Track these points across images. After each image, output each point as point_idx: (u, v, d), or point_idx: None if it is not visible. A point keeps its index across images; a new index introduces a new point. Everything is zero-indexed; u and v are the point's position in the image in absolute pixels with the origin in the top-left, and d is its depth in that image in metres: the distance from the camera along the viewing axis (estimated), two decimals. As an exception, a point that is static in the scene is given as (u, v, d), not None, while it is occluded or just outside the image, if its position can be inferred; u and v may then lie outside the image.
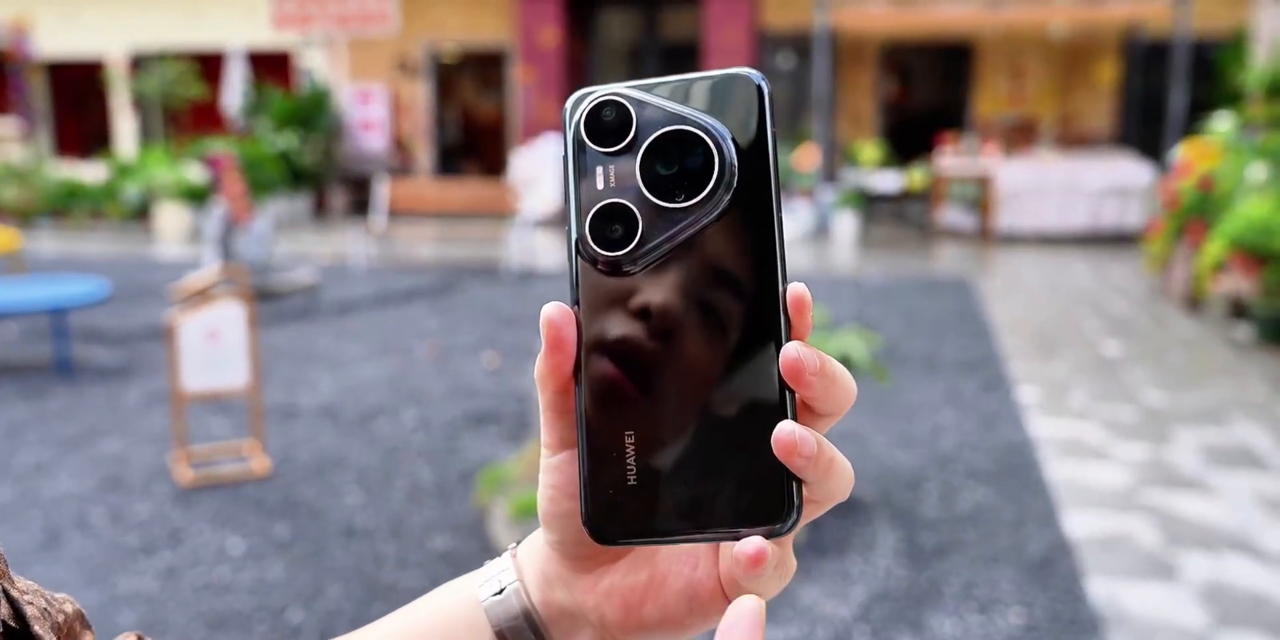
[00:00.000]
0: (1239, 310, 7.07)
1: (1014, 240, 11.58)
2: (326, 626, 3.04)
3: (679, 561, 0.46)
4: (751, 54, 13.56)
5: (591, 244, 0.42)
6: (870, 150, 13.34)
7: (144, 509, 3.91)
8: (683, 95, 0.43)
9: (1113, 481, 4.20)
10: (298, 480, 4.20)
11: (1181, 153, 8.66)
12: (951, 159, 12.33)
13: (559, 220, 11.25)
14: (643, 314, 0.42)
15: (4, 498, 4.05)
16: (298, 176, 13.74)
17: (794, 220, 11.82)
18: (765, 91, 0.42)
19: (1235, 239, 6.36)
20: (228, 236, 8.43)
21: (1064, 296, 8.42)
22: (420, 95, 15.10)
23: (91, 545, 3.60)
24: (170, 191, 12.26)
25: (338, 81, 14.88)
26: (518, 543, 0.51)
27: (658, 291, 0.42)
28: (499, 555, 0.52)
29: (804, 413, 0.42)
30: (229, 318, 4.18)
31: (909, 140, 14.18)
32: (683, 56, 14.13)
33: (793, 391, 0.41)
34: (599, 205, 0.42)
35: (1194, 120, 10.54)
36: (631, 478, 0.42)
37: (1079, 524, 3.76)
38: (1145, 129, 12.93)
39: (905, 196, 13.34)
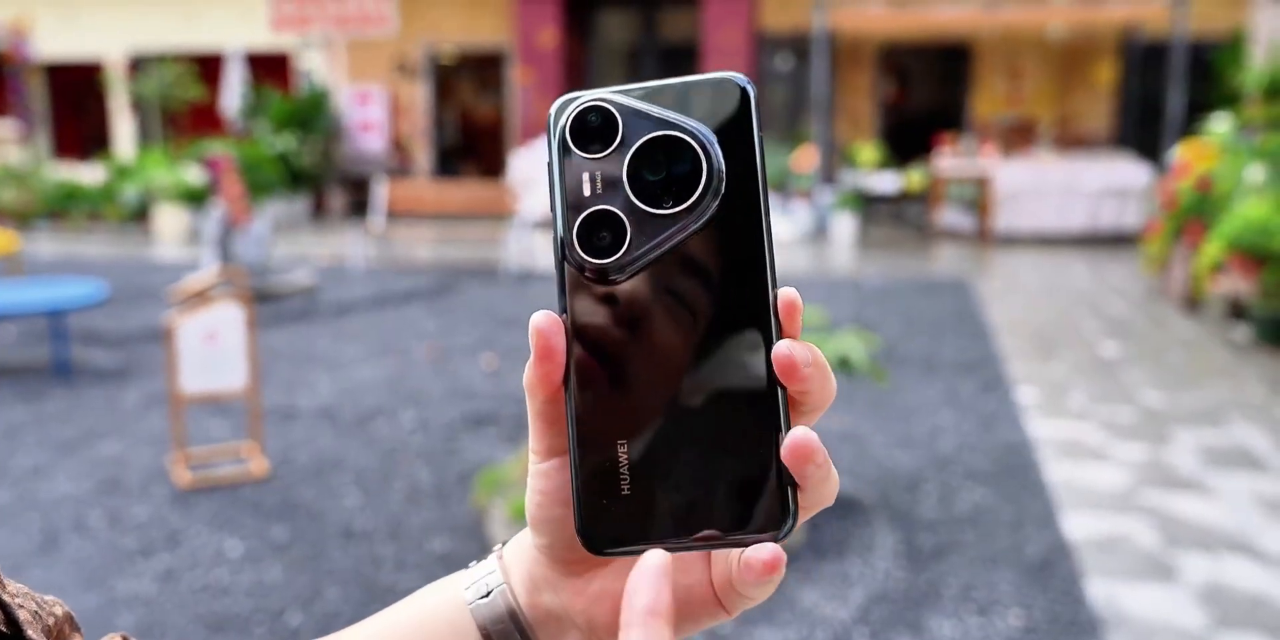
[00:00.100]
0: (1237, 311, 7.07)
1: (1012, 241, 11.59)
2: (325, 628, 3.03)
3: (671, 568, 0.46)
4: (750, 55, 13.56)
5: (579, 251, 0.42)
6: (868, 151, 13.34)
7: (142, 511, 3.91)
8: (668, 100, 0.42)
9: (1111, 482, 4.20)
10: (296, 482, 4.20)
11: (1180, 154, 8.66)
12: (950, 160, 12.34)
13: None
14: (632, 321, 0.42)
15: (2, 500, 4.04)
16: (296, 178, 13.73)
17: (792, 221, 11.82)
18: (751, 95, 0.42)
19: (1233, 240, 6.36)
20: (226, 238, 8.43)
21: (1062, 297, 8.42)
22: (419, 96, 15.10)
23: (89, 547, 3.60)
24: (169, 193, 12.26)
25: (336, 83, 14.88)
26: (503, 544, 0.51)
27: (647, 298, 0.42)
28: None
29: (793, 412, 0.42)
30: (227, 319, 4.18)
31: (907, 141, 14.18)
32: (681, 57, 14.13)
33: (785, 397, 0.41)
34: (586, 212, 0.42)
35: (1192, 121, 10.55)
36: (625, 487, 0.41)
37: (1078, 525, 3.76)
38: (1143, 130, 12.93)
39: (904, 197, 13.34)
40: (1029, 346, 6.66)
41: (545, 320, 0.42)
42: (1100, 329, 7.16)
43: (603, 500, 0.42)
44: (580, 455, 0.42)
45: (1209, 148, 8.05)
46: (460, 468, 4.35)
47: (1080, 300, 8.25)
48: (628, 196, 0.42)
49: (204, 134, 14.22)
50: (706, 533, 0.41)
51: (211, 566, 3.45)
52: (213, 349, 4.16)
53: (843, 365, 3.57)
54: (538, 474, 0.45)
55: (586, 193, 0.42)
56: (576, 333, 0.42)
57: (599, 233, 0.42)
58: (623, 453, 0.42)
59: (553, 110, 0.43)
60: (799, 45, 13.56)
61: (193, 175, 12.08)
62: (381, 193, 10.95)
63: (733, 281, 0.41)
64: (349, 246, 10.81)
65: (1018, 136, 13.23)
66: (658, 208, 0.41)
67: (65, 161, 15.75)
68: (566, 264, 0.42)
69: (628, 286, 0.42)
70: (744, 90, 0.42)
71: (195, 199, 12.02)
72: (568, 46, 14.11)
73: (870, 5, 13.25)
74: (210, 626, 3.07)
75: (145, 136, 15.82)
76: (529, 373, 0.43)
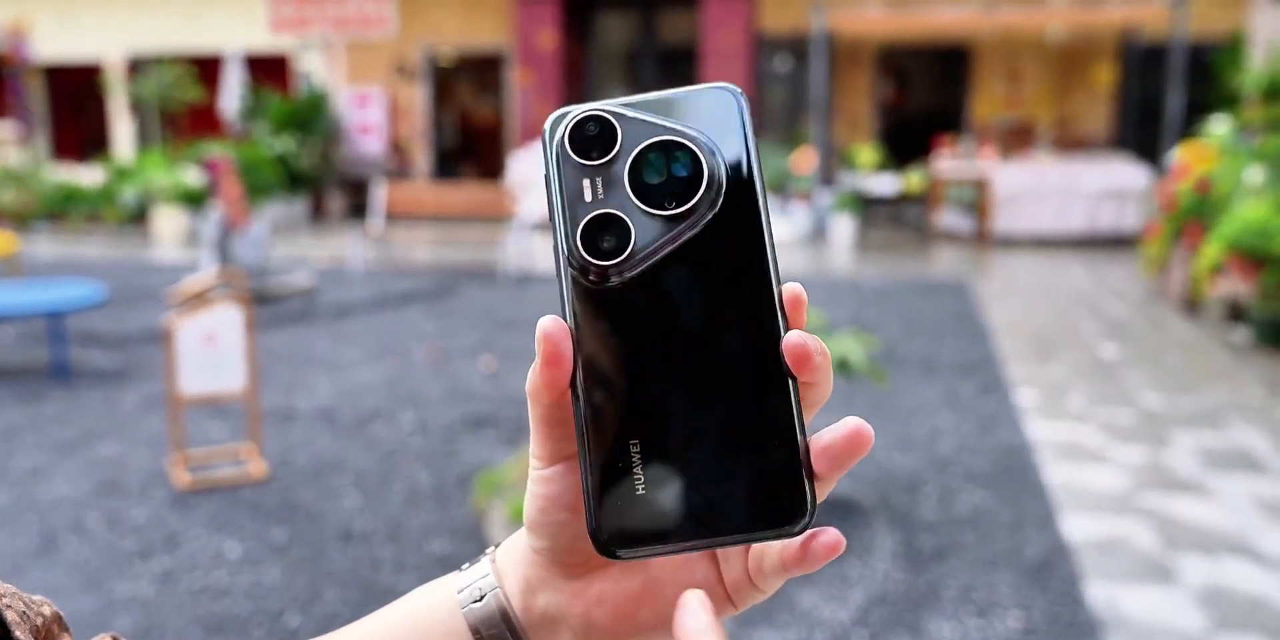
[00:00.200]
0: (1236, 313, 7.07)
1: (1011, 243, 11.59)
2: (324, 630, 3.01)
3: (675, 568, 0.46)
4: (748, 57, 13.57)
5: (584, 255, 0.42)
6: (867, 153, 13.34)
7: (141, 513, 3.91)
8: (662, 110, 0.43)
9: (1110, 484, 4.20)
10: (295, 484, 4.20)
11: (1179, 155, 8.67)
12: (949, 162, 12.34)
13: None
14: (639, 321, 0.42)
15: (0, 502, 4.04)
16: (295, 180, 13.73)
17: (791, 223, 11.83)
18: (743, 102, 0.43)
19: (1233, 242, 6.36)
20: (225, 240, 8.43)
21: (1061, 299, 8.42)
22: (418, 99, 15.10)
23: (88, 550, 3.59)
24: (168, 195, 12.25)
25: (335, 85, 14.88)
26: (496, 546, 0.51)
27: (652, 297, 0.42)
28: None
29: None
30: (226, 321, 4.18)
31: (906, 143, 14.19)
32: (680, 59, 14.14)
33: (796, 389, 0.41)
34: (590, 216, 0.42)
35: (1191, 123, 10.55)
36: (640, 487, 0.41)
37: (1077, 527, 3.76)
38: (1142, 132, 12.94)
39: (902, 199, 13.34)
40: (1028, 348, 6.66)
41: (553, 325, 0.42)
42: (1099, 331, 7.16)
43: (618, 502, 0.41)
44: (592, 458, 0.42)
45: (1208, 149, 8.05)
46: (459, 469, 4.34)
47: (1079, 302, 8.25)
48: (630, 199, 0.42)
49: (203, 136, 14.23)
50: (724, 530, 0.41)
51: (210, 568, 3.44)
52: (211, 351, 4.15)
53: (842, 367, 3.57)
54: (540, 479, 0.45)
55: (588, 198, 0.43)
56: (583, 336, 0.42)
57: (604, 236, 0.42)
58: (636, 453, 0.42)
59: (548, 124, 0.44)
60: (798, 47, 13.57)
61: (192, 177, 12.08)
62: (380, 195, 10.95)
63: (737, 278, 0.42)
64: (348, 248, 10.81)
65: (1017, 138, 13.24)
66: (661, 209, 0.42)
67: (64, 163, 15.75)
68: (569, 269, 0.42)
69: (632, 288, 0.42)
70: (736, 96, 0.43)
71: (194, 201, 12.02)
72: (567, 48, 14.12)
73: (869, 7, 13.26)
74: (209, 628, 3.06)
75: (144, 138, 15.81)
76: (534, 377, 0.42)
